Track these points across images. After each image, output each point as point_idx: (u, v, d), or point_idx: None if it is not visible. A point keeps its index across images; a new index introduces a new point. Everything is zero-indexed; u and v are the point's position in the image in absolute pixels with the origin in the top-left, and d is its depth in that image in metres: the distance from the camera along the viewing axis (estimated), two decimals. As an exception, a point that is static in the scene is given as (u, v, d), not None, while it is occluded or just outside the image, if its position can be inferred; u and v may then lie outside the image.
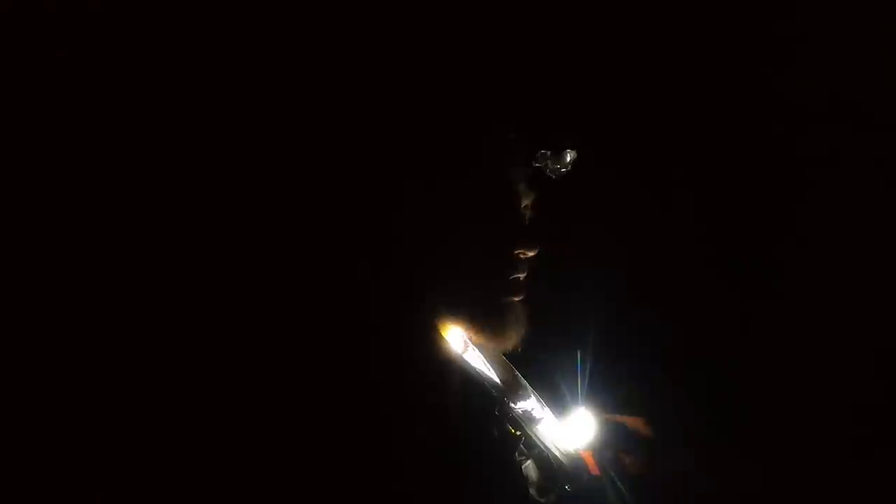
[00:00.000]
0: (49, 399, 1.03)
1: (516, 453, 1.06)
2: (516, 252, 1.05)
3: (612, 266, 1.42)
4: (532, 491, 1.07)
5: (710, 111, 1.46)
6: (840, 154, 1.43)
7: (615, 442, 1.11)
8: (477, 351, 1.12)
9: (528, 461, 1.08)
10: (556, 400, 1.14)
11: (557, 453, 1.08)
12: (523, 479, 1.06)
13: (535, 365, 1.16)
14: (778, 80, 1.45)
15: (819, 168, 1.44)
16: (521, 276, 1.06)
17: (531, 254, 1.05)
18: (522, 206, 1.06)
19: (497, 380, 1.10)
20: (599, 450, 1.10)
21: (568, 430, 1.12)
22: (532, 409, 1.10)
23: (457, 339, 1.08)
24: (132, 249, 1.05)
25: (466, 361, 1.07)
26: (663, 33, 1.44)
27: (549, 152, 1.03)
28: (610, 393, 1.16)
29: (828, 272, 1.42)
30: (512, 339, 1.08)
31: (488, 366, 1.12)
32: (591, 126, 1.28)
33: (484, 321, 1.06)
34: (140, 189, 1.07)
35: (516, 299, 1.06)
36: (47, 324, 1.05)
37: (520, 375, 1.13)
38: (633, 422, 1.12)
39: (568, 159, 1.04)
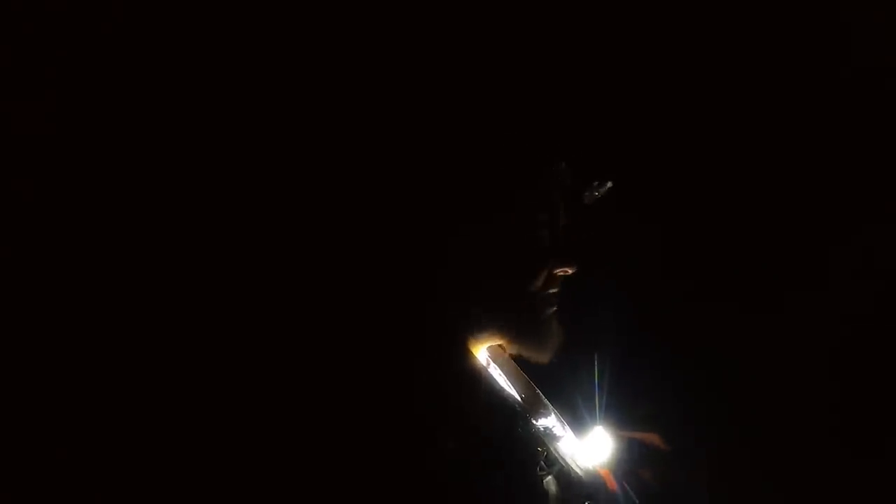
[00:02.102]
0: (49, 399, 1.04)
1: (538, 468, 1.10)
2: (556, 271, 1.11)
3: (627, 285, 1.46)
4: (553, 505, 1.10)
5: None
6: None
7: (632, 458, 1.15)
8: (498, 369, 1.16)
9: (550, 476, 1.11)
10: (575, 418, 1.18)
11: (577, 470, 1.12)
12: (545, 493, 1.10)
13: (555, 384, 1.20)
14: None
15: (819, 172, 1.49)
16: (556, 291, 1.11)
17: (571, 271, 1.11)
18: (559, 226, 1.12)
19: (519, 397, 1.14)
20: (617, 466, 1.14)
21: (587, 447, 1.16)
22: (553, 426, 1.14)
23: (481, 356, 1.13)
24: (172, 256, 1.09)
25: (492, 377, 1.11)
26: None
27: (596, 182, 1.10)
28: (627, 411, 1.20)
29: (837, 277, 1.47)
30: (548, 353, 1.13)
31: (509, 383, 1.16)
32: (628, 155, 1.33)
33: (524, 334, 1.12)
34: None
35: (545, 324, 1.11)
36: (48, 324, 1.07)
37: (541, 393, 1.17)
38: (649, 438, 1.16)
39: (606, 187, 1.10)
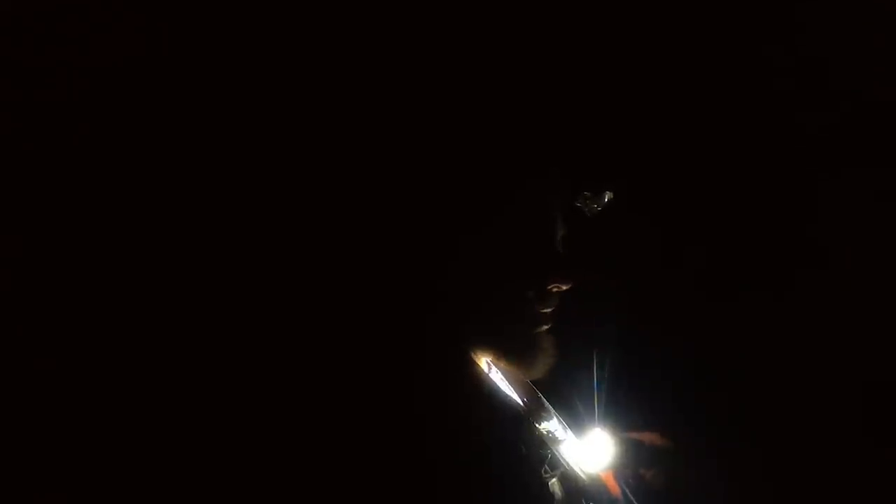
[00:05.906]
0: (49, 399, 1.05)
1: (542, 472, 1.10)
2: (550, 286, 1.10)
3: (626, 286, 1.47)
4: (556, 509, 1.11)
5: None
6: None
7: (634, 461, 1.15)
8: (500, 374, 1.16)
9: (553, 480, 1.12)
10: (576, 422, 1.19)
11: (580, 472, 1.12)
12: (550, 497, 1.10)
13: (556, 387, 1.20)
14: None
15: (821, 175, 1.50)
16: (551, 307, 1.11)
17: (565, 287, 1.10)
18: (557, 239, 1.11)
19: (521, 402, 1.15)
20: (619, 469, 1.15)
21: (588, 450, 1.16)
22: (555, 430, 1.14)
23: (483, 362, 1.13)
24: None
25: (494, 383, 1.12)
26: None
27: (590, 193, 1.10)
28: (628, 413, 1.20)
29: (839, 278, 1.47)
30: (540, 369, 1.13)
31: (511, 388, 1.16)
32: (627, 167, 1.34)
33: (514, 351, 1.11)
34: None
35: (545, 329, 1.11)
36: (48, 323, 1.07)
37: (542, 397, 1.17)
38: (650, 440, 1.16)
39: (606, 200, 1.10)
